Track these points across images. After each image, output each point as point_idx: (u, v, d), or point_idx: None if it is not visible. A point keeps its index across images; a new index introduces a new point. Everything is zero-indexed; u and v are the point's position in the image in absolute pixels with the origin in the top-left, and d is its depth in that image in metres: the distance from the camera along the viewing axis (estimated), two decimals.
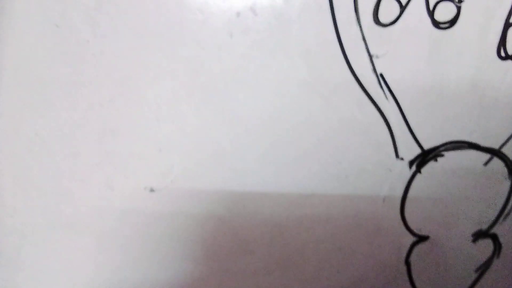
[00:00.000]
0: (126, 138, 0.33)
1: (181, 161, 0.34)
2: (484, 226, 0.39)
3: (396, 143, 0.36)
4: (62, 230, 0.35)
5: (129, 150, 0.34)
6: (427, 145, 0.37)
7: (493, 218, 0.38)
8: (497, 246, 0.39)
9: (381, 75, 0.35)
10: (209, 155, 0.34)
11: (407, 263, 0.38)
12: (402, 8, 0.34)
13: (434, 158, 0.37)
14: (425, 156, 0.36)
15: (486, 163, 0.37)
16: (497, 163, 0.37)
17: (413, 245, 0.38)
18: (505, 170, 0.37)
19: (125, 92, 0.33)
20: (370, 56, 0.34)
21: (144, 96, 0.33)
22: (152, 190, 0.34)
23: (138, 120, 0.33)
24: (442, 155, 0.37)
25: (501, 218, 0.38)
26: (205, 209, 0.35)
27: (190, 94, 0.33)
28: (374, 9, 0.34)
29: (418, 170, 0.37)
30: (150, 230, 0.35)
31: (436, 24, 0.34)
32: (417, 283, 0.39)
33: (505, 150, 0.37)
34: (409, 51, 0.35)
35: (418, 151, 0.37)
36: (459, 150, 0.37)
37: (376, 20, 0.34)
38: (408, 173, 0.37)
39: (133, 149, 0.34)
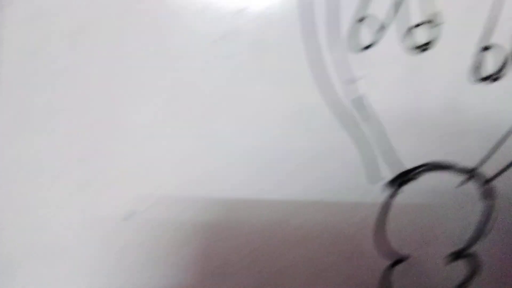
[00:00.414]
0: (104, 165, 0.33)
1: (160, 188, 0.34)
2: (462, 246, 0.39)
3: (373, 164, 0.36)
4: (40, 259, 0.34)
5: (107, 177, 0.33)
6: (404, 166, 0.37)
7: (471, 237, 0.39)
8: (475, 265, 0.39)
9: (358, 99, 0.35)
10: (189, 181, 0.34)
11: (386, 285, 0.39)
12: (379, 31, 0.33)
13: (411, 178, 0.37)
14: (402, 178, 0.36)
15: (463, 183, 0.37)
16: (474, 183, 0.37)
17: (392, 266, 0.38)
18: (483, 190, 0.38)
19: (104, 119, 0.33)
20: (348, 79, 0.34)
21: (123, 123, 0.33)
22: (130, 216, 0.34)
23: (117, 147, 0.33)
24: (419, 176, 0.37)
25: (480, 238, 0.38)
26: (183, 236, 0.35)
27: (170, 119, 0.33)
28: (350, 32, 0.33)
29: (395, 192, 0.37)
30: (129, 257, 0.35)
31: (413, 46, 0.34)
32: None
33: (482, 170, 0.37)
34: (385, 74, 0.35)
35: (395, 172, 0.37)
36: (436, 171, 0.37)
37: (353, 43, 0.34)
38: (385, 194, 0.37)
39: (111, 176, 0.33)
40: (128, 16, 0.31)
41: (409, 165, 0.36)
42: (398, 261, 0.38)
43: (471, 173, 0.37)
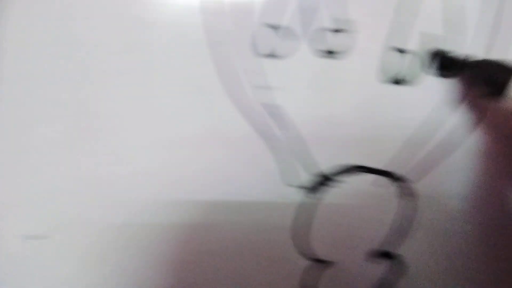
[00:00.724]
0: (5, 187, 0.33)
1: (73, 205, 0.34)
2: (385, 247, 0.39)
3: (292, 171, 0.36)
4: None
5: (8, 198, 0.33)
6: (320, 171, 0.37)
7: (391, 238, 0.39)
8: (398, 265, 0.40)
9: (271, 105, 0.35)
10: (101, 196, 0.34)
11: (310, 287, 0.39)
12: (285, 38, 0.34)
13: (328, 182, 0.37)
14: (322, 182, 0.37)
15: (380, 185, 0.38)
16: (392, 184, 0.38)
17: (314, 271, 0.39)
18: (401, 190, 0.38)
19: (3, 139, 0.32)
20: (259, 88, 0.34)
21: (22, 142, 0.32)
22: (44, 236, 0.34)
23: (17, 168, 0.33)
24: (339, 180, 0.37)
25: (400, 238, 0.39)
26: (99, 254, 0.35)
27: (79, 135, 0.33)
28: (256, 40, 0.34)
29: (313, 196, 0.37)
30: (30, 279, 0.34)
31: (323, 53, 0.35)
32: None
33: (399, 171, 0.38)
34: (296, 81, 0.35)
35: (311, 176, 0.37)
36: (353, 174, 0.37)
37: (260, 52, 0.34)
38: (302, 198, 0.37)
39: (13, 197, 0.33)
40: (32, 31, 0.31)
41: (326, 170, 0.36)
42: (320, 265, 0.38)
43: (389, 175, 0.37)
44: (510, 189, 0.39)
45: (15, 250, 0.34)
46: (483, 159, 0.39)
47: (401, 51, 0.36)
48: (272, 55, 0.34)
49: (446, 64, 0.36)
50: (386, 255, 0.39)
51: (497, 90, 0.32)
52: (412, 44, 0.36)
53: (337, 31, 0.35)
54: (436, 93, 0.36)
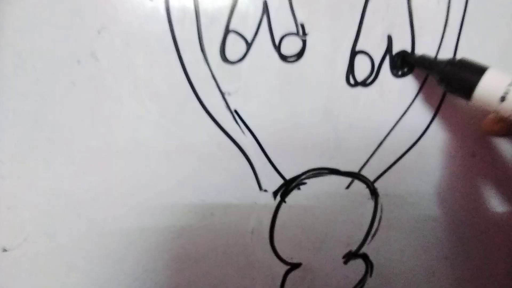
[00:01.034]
0: None
1: (33, 217, 0.33)
2: (354, 247, 0.40)
3: (258, 175, 0.36)
4: None
5: None
6: (288, 175, 0.37)
7: (361, 238, 0.40)
8: (369, 265, 0.40)
9: (235, 111, 0.35)
10: (62, 207, 0.33)
11: None
12: (248, 45, 0.34)
13: (297, 186, 0.37)
14: (288, 186, 0.37)
15: (348, 187, 0.38)
16: (358, 185, 0.38)
17: (286, 274, 0.39)
18: (367, 191, 0.39)
19: None
20: (222, 94, 0.34)
21: None
22: (5, 250, 0.33)
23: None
24: (305, 183, 0.37)
25: (369, 238, 0.39)
26: (64, 264, 0.34)
27: (35, 148, 0.32)
28: (220, 47, 0.34)
29: (282, 200, 0.37)
30: None
31: (284, 58, 0.35)
32: None
33: (364, 172, 0.38)
34: (260, 86, 0.35)
35: (280, 181, 0.37)
36: (321, 177, 0.38)
37: (224, 58, 0.34)
38: (273, 203, 0.37)
39: None
40: None
41: (289, 175, 0.37)
42: (291, 268, 0.39)
43: (354, 177, 0.38)
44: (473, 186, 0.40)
45: None
46: (441, 157, 0.40)
47: (361, 52, 0.36)
48: (237, 61, 0.34)
49: (408, 63, 0.37)
50: (356, 255, 0.40)
51: (465, 90, 0.33)
52: (372, 44, 0.36)
53: (292, 35, 0.35)
54: (395, 94, 0.37)
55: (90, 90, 0.32)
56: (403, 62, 0.37)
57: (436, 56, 0.37)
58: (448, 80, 0.33)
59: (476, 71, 0.32)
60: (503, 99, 0.30)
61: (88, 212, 0.34)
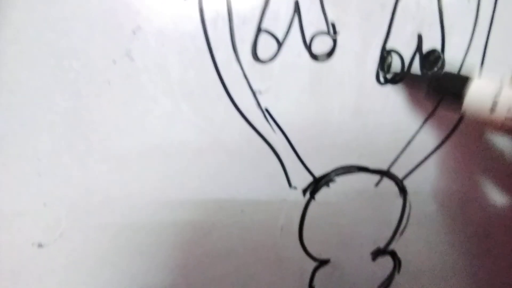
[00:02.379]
0: (7, 196, 0.33)
1: (68, 213, 0.34)
2: (382, 244, 0.40)
3: (288, 173, 0.37)
4: None
5: (12, 207, 0.33)
6: (318, 173, 0.38)
7: (389, 235, 0.40)
8: (397, 262, 0.41)
9: (266, 109, 0.35)
10: (97, 204, 0.34)
11: (311, 287, 0.39)
12: (280, 44, 0.34)
13: (326, 184, 0.38)
14: (317, 183, 0.37)
15: (376, 184, 0.39)
16: (387, 183, 0.39)
17: (315, 270, 0.39)
18: (396, 189, 0.39)
19: (2, 150, 0.32)
20: (253, 92, 0.35)
21: (22, 151, 0.32)
22: (41, 245, 0.34)
23: (19, 176, 0.33)
24: (334, 181, 0.38)
25: (397, 235, 0.40)
26: (99, 260, 0.35)
27: (72, 145, 0.33)
28: (252, 47, 0.34)
29: (312, 197, 0.38)
30: (44, 286, 0.34)
31: (314, 57, 0.35)
32: None
33: (393, 170, 0.38)
34: (290, 85, 0.36)
35: (310, 179, 0.37)
36: (350, 174, 0.38)
37: (256, 57, 0.34)
38: (302, 200, 0.38)
39: (16, 206, 0.33)
40: (20, 44, 0.31)
41: (319, 172, 0.37)
42: (320, 265, 0.39)
43: (383, 174, 0.38)
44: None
45: (25, 257, 0.33)
46: (470, 155, 0.40)
47: (390, 51, 0.36)
48: (268, 60, 0.34)
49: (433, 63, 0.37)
50: (384, 252, 0.40)
51: (454, 100, 0.33)
52: (400, 42, 0.37)
53: (323, 34, 0.35)
54: (425, 92, 0.37)
55: (125, 89, 0.33)
56: (433, 61, 0.37)
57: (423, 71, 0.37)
58: (437, 94, 0.34)
59: (462, 83, 0.32)
60: (492, 110, 0.30)
61: (122, 209, 0.34)
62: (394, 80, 0.37)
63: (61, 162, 0.33)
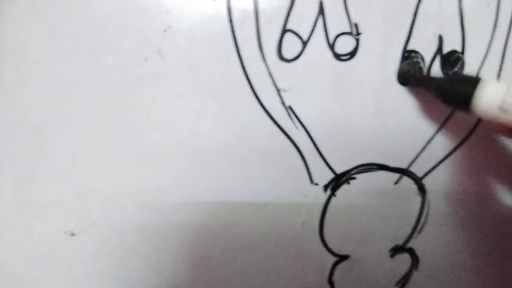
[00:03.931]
0: (43, 186, 0.34)
1: (100, 204, 0.35)
2: (400, 241, 0.41)
3: (310, 169, 0.38)
4: None
5: (47, 197, 0.34)
6: (339, 170, 0.39)
7: (408, 233, 0.41)
8: (415, 259, 0.41)
9: (290, 107, 0.37)
10: (127, 195, 0.35)
11: (330, 282, 0.40)
12: (304, 44, 0.36)
13: (347, 181, 0.39)
14: (338, 180, 0.38)
15: (396, 182, 0.39)
16: (406, 181, 0.40)
17: (334, 265, 0.40)
18: (415, 187, 0.40)
19: (38, 141, 0.34)
20: (278, 90, 0.36)
21: (57, 143, 0.34)
22: (73, 234, 0.35)
23: (54, 167, 0.34)
24: (354, 178, 0.39)
25: (416, 233, 0.41)
26: (128, 249, 0.36)
27: (104, 139, 0.34)
28: (277, 46, 0.35)
29: (332, 194, 0.39)
30: (74, 273, 0.36)
31: (337, 56, 0.36)
32: None
33: (413, 168, 0.39)
34: (314, 83, 0.37)
35: (331, 175, 0.38)
36: (370, 172, 0.39)
37: (280, 56, 0.36)
38: (323, 197, 0.39)
39: (51, 196, 0.34)
40: (56, 40, 0.33)
41: (340, 170, 0.38)
42: (340, 260, 0.40)
43: (402, 173, 0.39)
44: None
45: (57, 245, 0.35)
46: (489, 156, 0.41)
47: (411, 52, 0.37)
48: (293, 59, 0.35)
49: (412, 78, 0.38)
50: (403, 250, 0.41)
51: (462, 103, 0.33)
52: (421, 44, 0.37)
53: (345, 35, 0.36)
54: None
55: (155, 85, 0.34)
56: (453, 62, 0.38)
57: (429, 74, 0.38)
58: (445, 96, 0.34)
59: (471, 84, 0.32)
60: (502, 109, 0.30)
61: (150, 201, 0.36)
62: (409, 80, 0.38)
63: (94, 155, 0.34)
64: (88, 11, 0.33)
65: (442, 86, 0.33)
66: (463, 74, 0.34)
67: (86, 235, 0.35)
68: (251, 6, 0.34)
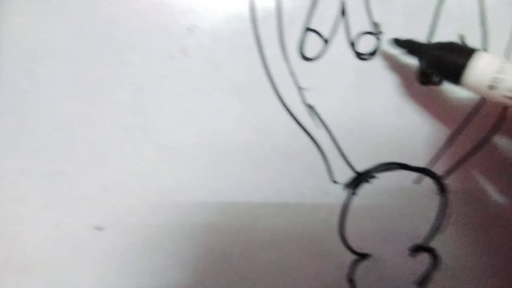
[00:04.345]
0: (71, 181, 0.35)
1: (125, 199, 0.36)
2: (421, 241, 0.41)
3: (331, 168, 0.38)
4: (14, 273, 0.36)
5: (74, 191, 0.35)
6: (360, 168, 0.39)
7: (428, 232, 0.41)
8: (435, 259, 0.41)
9: (311, 106, 0.37)
10: (152, 191, 0.36)
11: (350, 281, 0.41)
12: (326, 43, 0.36)
13: (368, 179, 0.39)
14: (359, 179, 0.39)
15: (417, 182, 0.40)
16: (427, 181, 0.40)
17: (354, 264, 0.40)
18: (436, 187, 0.40)
19: (67, 137, 0.35)
20: (299, 89, 0.37)
21: (86, 139, 0.35)
22: (99, 228, 0.36)
23: (82, 163, 0.35)
24: (375, 177, 0.39)
25: (436, 232, 0.41)
26: (152, 244, 0.37)
27: (130, 135, 0.35)
28: (299, 45, 0.36)
29: (353, 192, 0.39)
30: (100, 267, 0.37)
31: (359, 55, 0.37)
32: None
33: (434, 168, 0.39)
34: (335, 82, 0.37)
35: (352, 174, 0.39)
36: (391, 171, 0.39)
37: (302, 55, 0.36)
38: (344, 195, 0.39)
39: (78, 191, 0.35)
40: (83, 38, 0.34)
41: (360, 168, 0.38)
42: (360, 258, 0.40)
43: (423, 172, 0.39)
44: None
45: (84, 239, 0.36)
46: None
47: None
48: (314, 58, 0.36)
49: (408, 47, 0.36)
50: (423, 249, 0.41)
51: (452, 74, 0.32)
52: None
53: (367, 34, 0.37)
54: (467, 92, 0.38)
55: (179, 83, 0.35)
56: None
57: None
58: (436, 64, 0.33)
59: (465, 54, 0.31)
60: (491, 87, 0.29)
61: (174, 197, 0.37)
62: (437, 81, 0.38)
63: (121, 151, 0.35)
64: (114, 10, 0.34)
65: (433, 53, 0.33)
66: (456, 43, 0.34)
67: (112, 230, 0.36)
68: (273, 6, 0.35)
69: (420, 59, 0.35)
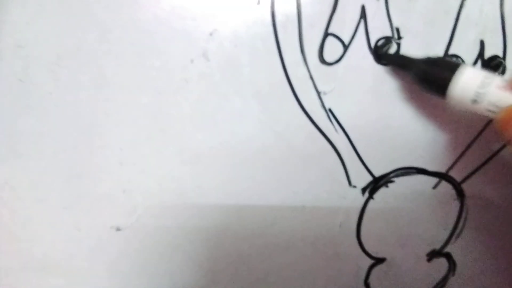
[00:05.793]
0: (91, 182, 0.36)
1: (144, 200, 0.36)
2: (438, 246, 0.41)
3: (348, 172, 0.39)
4: (34, 272, 0.37)
5: (94, 192, 0.36)
6: (377, 173, 0.39)
7: (445, 237, 0.41)
8: (451, 264, 0.41)
9: (330, 110, 0.37)
10: (171, 193, 0.37)
11: (366, 285, 0.41)
12: (345, 47, 0.36)
13: (385, 184, 0.39)
14: (377, 183, 0.39)
15: (434, 187, 0.40)
16: (445, 186, 0.40)
17: (371, 268, 0.40)
18: (454, 192, 0.40)
19: (88, 139, 0.35)
20: (318, 93, 0.37)
21: (106, 141, 0.35)
22: (118, 229, 0.37)
23: (102, 164, 0.35)
24: (393, 181, 0.39)
25: (453, 238, 0.41)
26: (170, 245, 0.37)
27: (150, 137, 0.36)
28: (319, 49, 0.36)
29: (370, 196, 0.39)
30: (118, 267, 0.37)
31: (378, 60, 0.37)
32: None
33: (452, 173, 0.39)
34: (354, 87, 0.37)
35: (369, 178, 0.39)
36: (408, 176, 0.39)
37: (322, 60, 0.36)
38: (361, 199, 0.39)
39: (98, 192, 0.36)
40: (107, 42, 0.34)
41: (378, 173, 0.39)
42: (376, 263, 0.40)
43: (441, 177, 0.39)
44: None
45: (103, 239, 0.36)
46: None
47: (452, 56, 0.38)
48: (334, 62, 0.36)
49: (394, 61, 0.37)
50: (439, 254, 0.41)
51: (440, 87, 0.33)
52: (462, 48, 0.38)
53: (387, 38, 0.37)
54: None
55: (200, 87, 0.36)
56: (495, 67, 0.38)
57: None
58: (424, 78, 0.34)
59: (451, 69, 0.32)
60: (474, 101, 0.30)
61: (193, 199, 0.37)
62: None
63: (141, 153, 0.36)
64: (137, 15, 0.34)
65: (421, 68, 0.33)
66: (443, 58, 0.34)
67: (131, 231, 0.36)
68: (294, 11, 0.35)
69: (409, 73, 0.35)
